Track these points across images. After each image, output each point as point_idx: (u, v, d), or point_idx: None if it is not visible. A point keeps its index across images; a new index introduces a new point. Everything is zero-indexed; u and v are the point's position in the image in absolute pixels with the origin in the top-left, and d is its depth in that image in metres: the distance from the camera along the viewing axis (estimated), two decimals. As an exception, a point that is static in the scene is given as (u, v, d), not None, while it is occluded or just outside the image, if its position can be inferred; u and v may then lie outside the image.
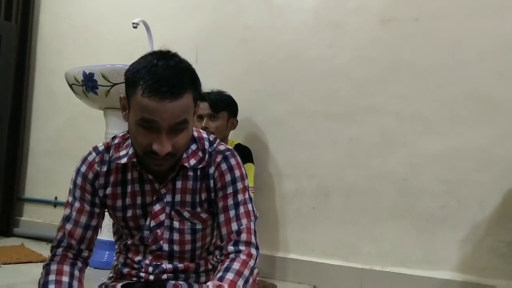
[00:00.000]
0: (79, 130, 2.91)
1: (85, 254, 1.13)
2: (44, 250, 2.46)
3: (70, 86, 2.28)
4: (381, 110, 2.03)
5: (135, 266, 1.13)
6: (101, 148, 1.14)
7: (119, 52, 2.72)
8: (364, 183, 2.05)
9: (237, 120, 2.15)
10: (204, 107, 2.05)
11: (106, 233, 2.07)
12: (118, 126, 2.12)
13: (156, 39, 2.42)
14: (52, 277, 1.04)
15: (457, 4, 1.92)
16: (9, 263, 2.23)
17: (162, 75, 0.95)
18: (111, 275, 1.20)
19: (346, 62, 2.13)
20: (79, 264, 1.11)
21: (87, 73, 2.13)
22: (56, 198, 2.96)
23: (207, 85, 2.14)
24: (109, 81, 2.10)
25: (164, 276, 1.10)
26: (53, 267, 1.07)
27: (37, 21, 3.17)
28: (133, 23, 2.33)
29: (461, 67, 1.89)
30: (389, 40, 2.04)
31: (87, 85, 2.16)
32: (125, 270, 1.14)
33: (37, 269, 1.12)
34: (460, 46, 1.90)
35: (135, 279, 1.12)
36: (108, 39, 2.85)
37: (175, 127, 0.97)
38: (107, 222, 1.23)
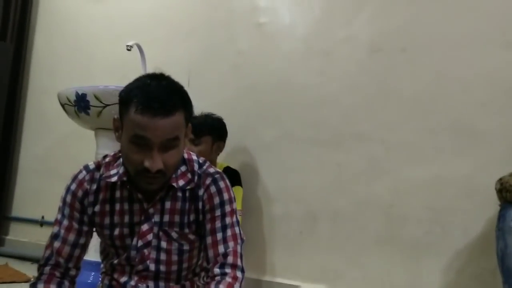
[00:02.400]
0: (69, 150, 2.91)
1: (73, 272, 1.13)
2: (29, 270, 2.43)
3: (62, 106, 2.29)
4: (368, 137, 2.07)
5: None
6: (91, 166, 1.15)
7: (112, 74, 2.75)
8: (351, 209, 2.07)
9: (223, 144, 2.16)
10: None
11: (92, 253, 2.06)
12: (109, 147, 2.13)
13: (149, 62, 2.46)
14: None
15: (442, 36, 1.98)
16: (-7, 283, 2.20)
17: (155, 93, 0.99)
18: (97, 296, 1.21)
19: (334, 90, 2.17)
20: (66, 283, 1.11)
21: (80, 94, 2.15)
22: (43, 217, 2.93)
23: (198, 109, 2.17)
24: (101, 102, 2.12)
25: None
26: (40, 286, 1.07)
27: (32, 41, 3.21)
28: (127, 46, 2.36)
29: (445, 97, 1.94)
30: (377, 70, 2.09)
31: (79, 105, 2.17)
32: (110, 293, 1.15)
33: (20, 289, 1.13)
34: (445, 78, 1.95)
35: (120, 302, 1.12)
36: (102, 61, 2.89)
37: (166, 144, 0.99)
38: (94, 242, 1.23)
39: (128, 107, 1.00)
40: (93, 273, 2.15)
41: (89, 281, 2.12)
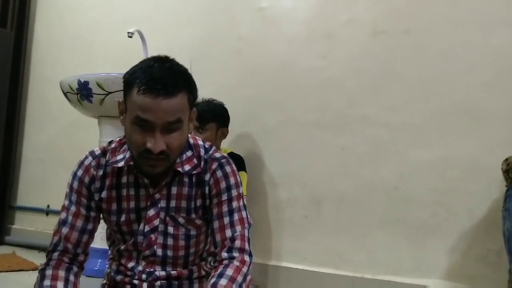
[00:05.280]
0: (72, 138, 2.92)
1: (81, 258, 1.14)
2: (36, 259, 2.45)
3: (65, 94, 2.29)
4: (372, 120, 2.06)
5: (128, 273, 1.13)
6: (97, 152, 1.15)
7: (114, 62, 2.74)
8: (356, 192, 2.07)
9: (227, 130, 2.16)
10: None
11: (98, 241, 2.08)
12: (112, 135, 2.12)
13: (151, 49, 2.45)
14: (47, 282, 1.05)
15: (446, 17, 1.96)
16: (1, 271, 2.22)
17: (158, 75, 0.98)
18: (104, 281, 1.21)
19: (338, 73, 2.16)
20: (75, 268, 1.12)
21: (82, 82, 2.14)
22: (48, 206, 2.95)
23: (201, 95, 2.16)
24: (103, 89, 2.11)
25: (158, 283, 1.11)
26: (49, 272, 1.07)
27: (32, 29, 3.19)
28: (128, 33, 2.35)
29: (449, 78, 1.93)
30: (380, 52, 2.08)
31: (82, 93, 2.17)
32: (119, 278, 1.15)
33: (28, 278, 1.14)
34: (448, 58, 1.94)
35: (128, 286, 1.13)
36: (103, 48, 2.87)
37: (169, 126, 0.99)
38: (100, 230, 1.24)
39: (131, 89, 1.00)
40: (99, 260, 2.18)
41: (96, 268, 2.14)
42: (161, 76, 0.98)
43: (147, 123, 0.98)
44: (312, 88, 2.21)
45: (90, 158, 1.15)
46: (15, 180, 3.12)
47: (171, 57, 1.06)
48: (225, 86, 2.41)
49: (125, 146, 1.13)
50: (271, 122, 2.29)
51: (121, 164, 1.11)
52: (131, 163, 1.10)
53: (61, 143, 2.98)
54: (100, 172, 1.13)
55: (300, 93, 2.24)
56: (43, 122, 3.10)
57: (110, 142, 1.17)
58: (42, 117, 3.11)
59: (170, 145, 1.01)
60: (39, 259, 2.44)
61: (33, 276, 1.09)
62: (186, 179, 1.12)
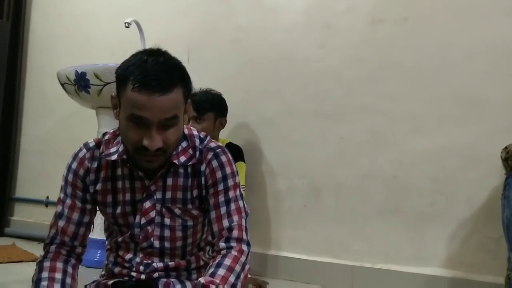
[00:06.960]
0: (70, 130, 2.91)
1: (79, 250, 1.13)
2: (36, 250, 2.45)
3: (62, 85, 2.28)
4: (371, 109, 2.05)
5: (126, 265, 1.13)
6: (91, 144, 1.14)
7: (111, 52, 2.72)
8: (355, 181, 2.07)
9: (225, 120, 2.15)
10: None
11: (98, 232, 2.07)
12: (110, 125, 2.09)
13: (148, 39, 2.43)
14: (45, 274, 1.05)
15: (445, 5, 1.95)
16: (1, 263, 2.22)
17: (152, 70, 0.96)
18: (103, 273, 1.21)
19: (336, 62, 2.15)
20: (73, 260, 1.12)
21: (80, 72, 2.13)
22: (47, 197, 2.95)
23: (199, 85, 2.16)
24: (101, 80, 2.10)
25: (156, 275, 1.11)
26: (46, 264, 1.07)
27: (29, 20, 3.17)
28: (125, 23, 2.34)
29: (449, 67, 1.92)
30: (379, 41, 2.06)
31: (79, 84, 2.16)
32: (116, 270, 1.14)
33: (28, 269, 1.13)
34: (448, 47, 1.92)
35: (126, 278, 1.12)
36: (100, 39, 2.86)
37: (165, 122, 0.98)
38: (99, 221, 1.23)
39: (125, 85, 0.98)
40: (99, 251, 2.18)
41: (95, 259, 2.15)
42: (156, 72, 0.96)
43: (143, 120, 0.96)
44: (311, 78, 2.20)
45: (84, 150, 1.14)
46: (14, 172, 3.12)
47: (163, 49, 1.04)
48: (223, 75, 2.40)
49: (118, 138, 1.11)
50: (270, 112, 2.28)
51: (114, 157, 1.09)
52: (124, 156, 1.08)
53: (59, 134, 2.98)
54: (95, 165, 1.12)
55: (298, 82, 2.23)
56: (41, 114, 3.09)
57: (104, 134, 1.15)
58: (40, 108, 3.10)
59: (167, 141, 1.00)
60: (38, 250, 2.42)
61: (33, 267, 1.09)
62: (181, 170, 1.11)
